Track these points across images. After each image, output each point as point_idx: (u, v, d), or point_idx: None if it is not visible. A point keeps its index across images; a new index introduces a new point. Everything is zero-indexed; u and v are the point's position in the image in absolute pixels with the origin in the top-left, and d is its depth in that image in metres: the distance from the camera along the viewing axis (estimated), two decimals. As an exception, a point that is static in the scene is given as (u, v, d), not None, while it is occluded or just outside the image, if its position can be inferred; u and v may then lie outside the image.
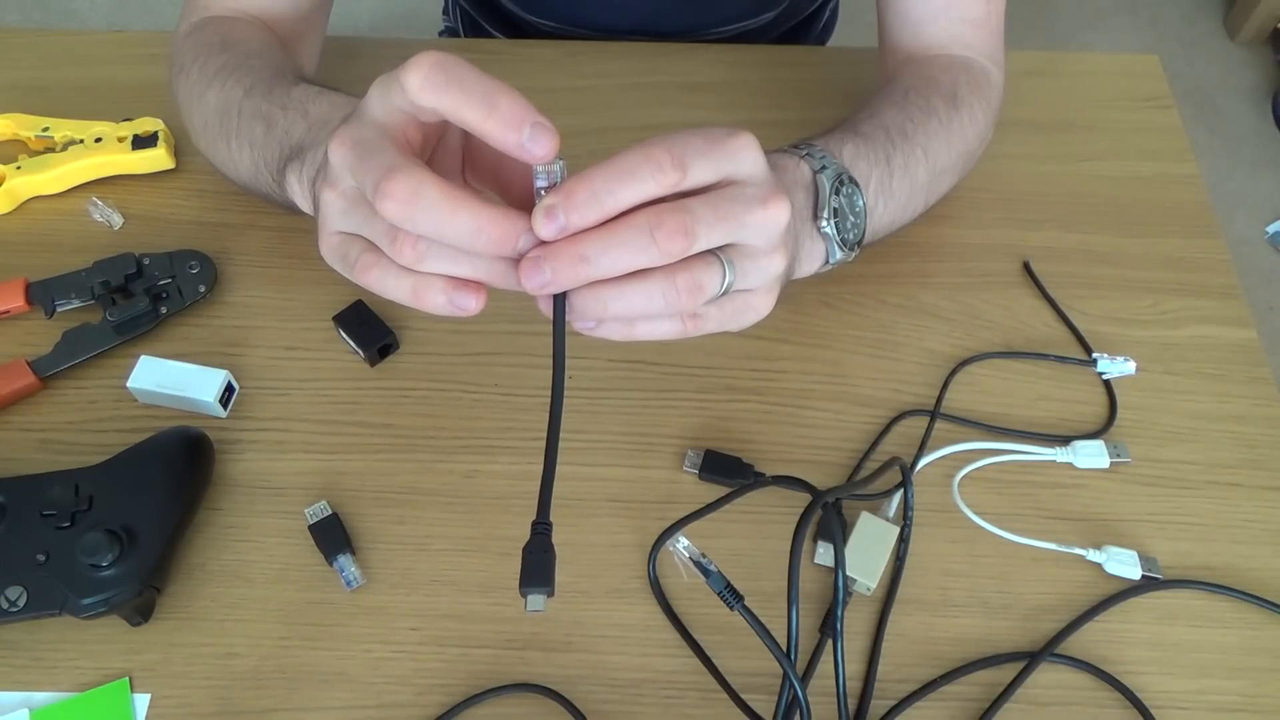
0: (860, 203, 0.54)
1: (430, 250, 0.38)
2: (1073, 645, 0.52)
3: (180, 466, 0.53)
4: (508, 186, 0.43)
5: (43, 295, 0.60)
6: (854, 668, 0.51)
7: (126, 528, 0.49)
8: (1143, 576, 0.53)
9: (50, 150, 0.67)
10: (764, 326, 0.45)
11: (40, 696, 0.49)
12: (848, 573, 0.52)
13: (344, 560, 0.52)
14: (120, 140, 0.66)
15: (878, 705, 0.50)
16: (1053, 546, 0.54)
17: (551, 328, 0.40)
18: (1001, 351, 0.61)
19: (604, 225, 0.37)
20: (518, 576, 0.38)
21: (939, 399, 0.59)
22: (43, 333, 0.60)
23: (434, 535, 0.54)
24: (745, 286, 0.42)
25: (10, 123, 0.68)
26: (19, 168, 0.66)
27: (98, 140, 0.66)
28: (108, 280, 0.60)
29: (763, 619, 0.44)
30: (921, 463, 0.57)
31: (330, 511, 0.54)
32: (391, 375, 0.60)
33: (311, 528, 0.53)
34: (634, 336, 0.41)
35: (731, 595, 0.45)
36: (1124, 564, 0.53)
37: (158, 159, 0.67)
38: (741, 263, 0.41)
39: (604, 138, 0.70)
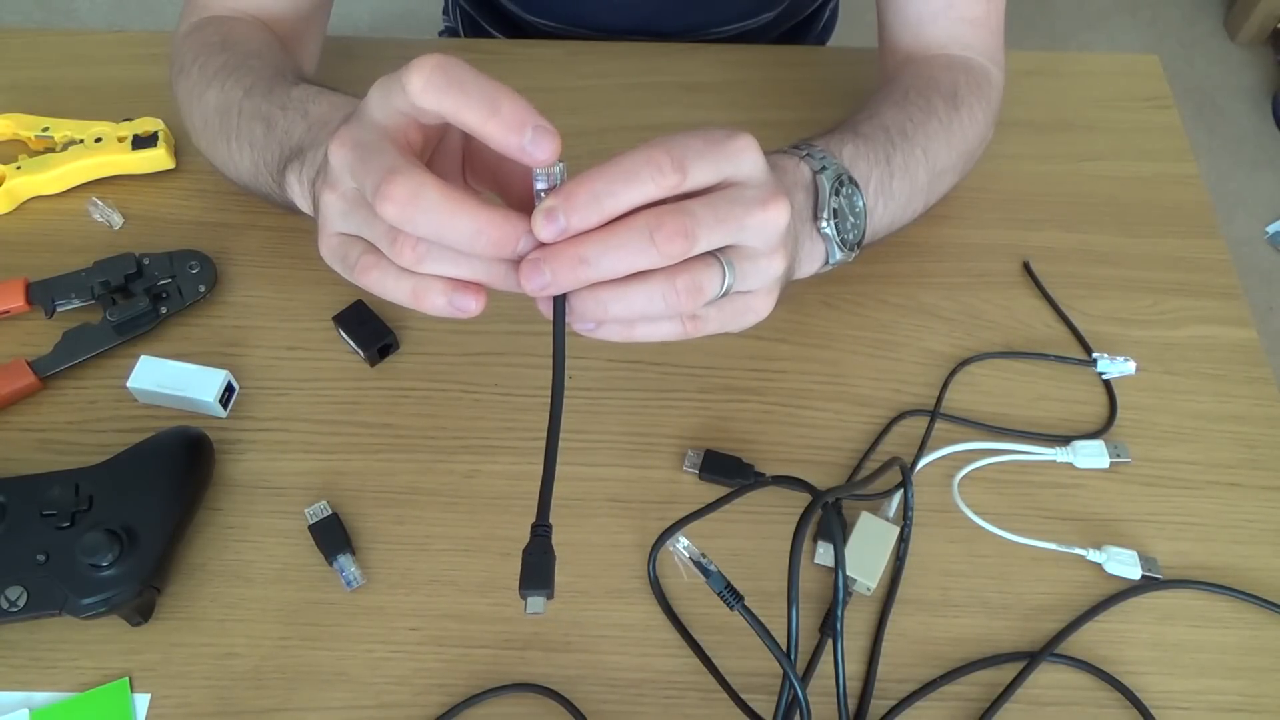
0: (860, 203, 0.54)
1: (430, 252, 0.38)
2: (1073, 645, 0.52)
3: (180, 466, 0.53)
4: (508, 188, 0.43)
5: (43, 295, 0.60)
6: (854, 668, 0.51)
7: (126, 528, 0.49)
8: (1143, 576, 0.53)
9: (50, 150, 0.67)
10: (764, 326, 0.45)
11: (40, 696, 0.49)
12: (848, 573, 0.52)
13: (344, 560, 0.52)
14: (120, 140, 0.66)
15: (878, 705, 0.50)
16: (1053, 546, 0.54)
17: (551, 329, 0.40)
18: (1001, 351, 0.61)
19: (604, 227, 0.37)
20: (518, 577, 0.38)
21: (939, 399, 0.59)
22: (43, 333, 0.60)
23: (434, 535, 0.54)
24: (745, 288, 0.42)
25: (10, 123, 0.68)
26: (19, 168, 0.66)
27: (98, 140, 0.66)
28: (108, 280, 0.60)
29: (763, 619, 0.44)
30: (921, 463, 0.57)
31: (330, 511, 0.54)
32: (391, 375, 0.60)
33: (311, 528, 0.53)
34: (634, 338, 0.41)
35: (731, 595, 0.45)
36: (1124, 564, 0.53)
37: (158, 159, 0.67)
38: (741, 264, 0.41)
39: (604, 138, 0.70)
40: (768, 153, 0.41)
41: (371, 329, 0.60)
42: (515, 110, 0.36)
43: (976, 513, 0.54)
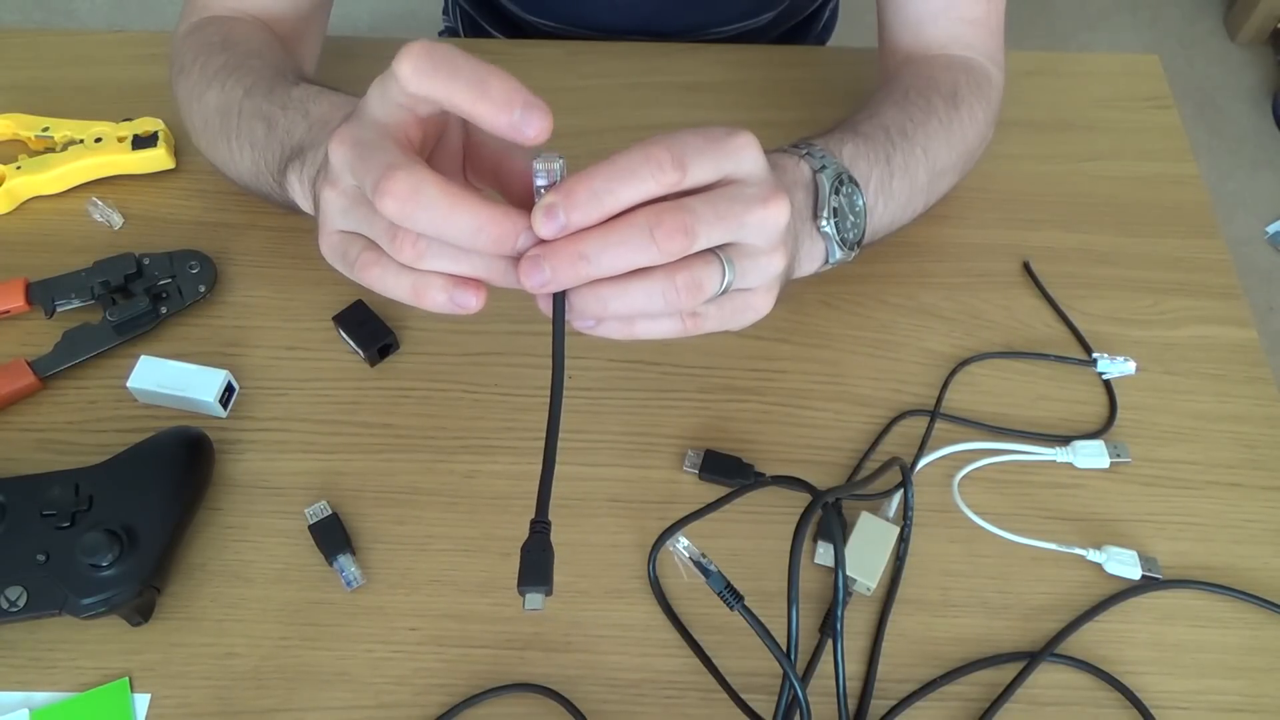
0: (860, 202, 0.54)
1: (430, 248, 0.38)
2: (1073, 645, 0.51)
3: (180, 466, 0.53)
4: (508, 185, 0.43)
5: (43, 295, 0.60)
6: (854, 668, 0.51)
7: (126, 528, 0.49)
8: (1143, 576, 0.53)
9: (50, 150, 0.67)
10: (764, 326, 0.45)
11: (40, 696, 0.49)
12: (848, 573, 0.52)
13: (344, 560, 0.52)
14: (120, 140, 0.66)
15: (878, 705, 0.50)
16: (1053, 546, 0.54)
17: (551, 327, 0.40)
18: (1001, 351, 0.61)
19: (604, 224, 0.37)
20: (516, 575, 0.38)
21: (939, 399, 0.59)
22: (43, 333, 0.60)
23: (434, 535, 0.54)
24: (745, 285, 0.42)
25: (10, 123, 0.68)
26: (19, 168, 0.66)
27: (98, 140, 0.66)
28: (108, 280, 0.60)
29: (763, 619, 0.44)
30: (921, 463, 0.57)
31: (330, 511, 0.54)
32: (391, 375, 0.60)
33: (311, 528, 0.53)
34: (633, 335, 0.41)
35: (731, 595, 0.44)
36: (1124, 564, 0.53)
37: (158, 159, 0.67)
38: (741, 262, 0.41)
39: (604, 138, 0.70)
40: (768, 151, 0.41)
41: (371, 329, 0.60)
42: (504, 88, 0.36)
43: (976, 513, 0.54)
